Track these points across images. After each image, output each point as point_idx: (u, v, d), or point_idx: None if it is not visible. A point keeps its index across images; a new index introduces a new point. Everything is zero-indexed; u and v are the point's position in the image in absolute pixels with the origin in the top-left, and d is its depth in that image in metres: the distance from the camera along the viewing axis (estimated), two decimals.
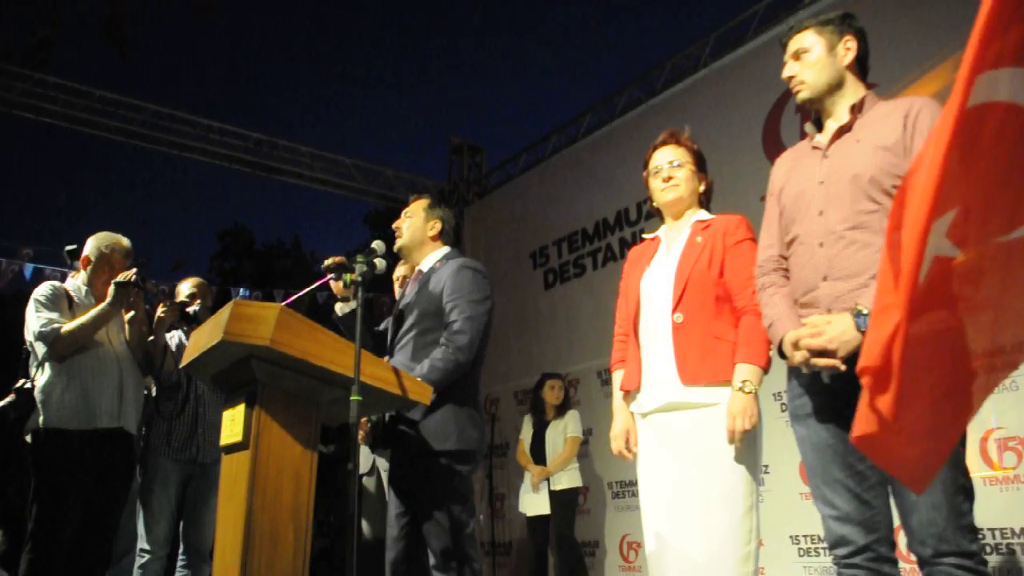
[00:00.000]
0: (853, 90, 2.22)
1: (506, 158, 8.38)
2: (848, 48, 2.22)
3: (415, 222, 3.16)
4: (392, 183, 8.48)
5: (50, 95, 6.85)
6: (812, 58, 2.22)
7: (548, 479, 5.75)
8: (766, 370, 2.42)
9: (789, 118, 5.24)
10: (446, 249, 3.17)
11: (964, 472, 1.91)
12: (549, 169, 7.61)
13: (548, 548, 5.93)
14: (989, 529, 3.94)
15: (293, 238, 23.62)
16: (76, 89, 6.95)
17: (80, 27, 7.15)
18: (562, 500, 5.73)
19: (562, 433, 5.83)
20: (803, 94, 2.24)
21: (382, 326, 3.26)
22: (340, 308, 3.08)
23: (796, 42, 2.26)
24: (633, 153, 2.84)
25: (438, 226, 3.17)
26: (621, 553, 6.07)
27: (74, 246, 3.56)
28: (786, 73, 2.27)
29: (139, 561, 3.66)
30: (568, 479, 5.75)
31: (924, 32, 4.71)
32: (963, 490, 1.89)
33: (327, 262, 2.93)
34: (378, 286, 3.17)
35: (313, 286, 2.98)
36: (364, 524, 4.63)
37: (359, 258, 2.61)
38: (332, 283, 3.03)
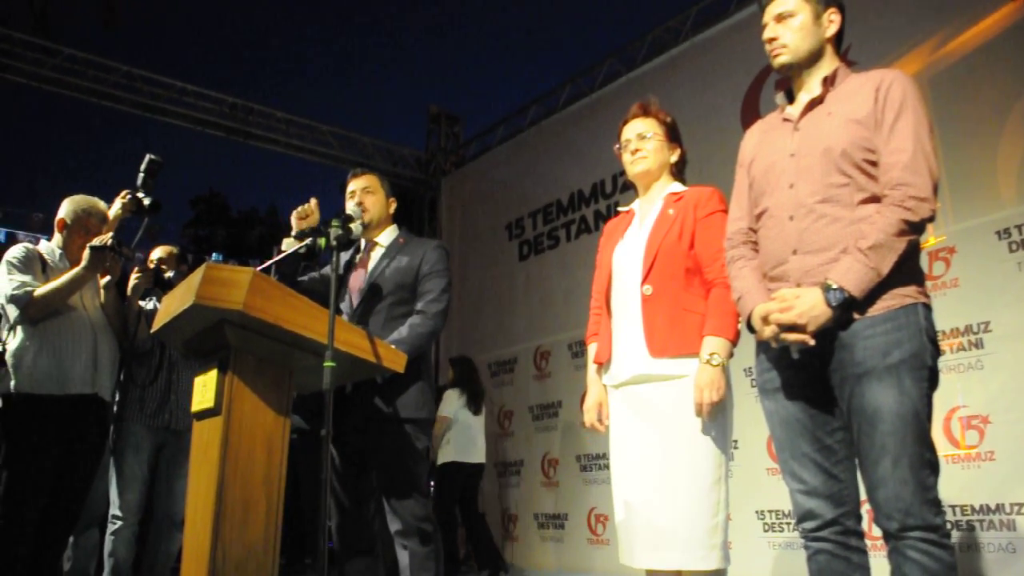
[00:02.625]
0: (829, 63, 2.20)
1: (484, 128, 8.35)
2: (831, 20, 2.19)
3: (379, 199, 3.20)
4: (369, 151, 8.41)
5: (17, 52, 6.67)
6: (797, 23, 2.17)
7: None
8: (734, 343, 2.43)
9: (768, 93, 5.25)
10: (396, 227, 3.27)
11: (930, 447, 1.94)
12: (527, 140, 7.58)
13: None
14: (951, 506, 4.03)
15: (268, 206, 23.40)
16: (44, 47, 6.78)
17: None
18: (436, 476, 6.09)
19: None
20: (783, 58, 2.19)
21: (306, 277, 3.22)
22: (287, 243, 3.01)
23: (780, 5, 2.19)
24: (611, 126, 2.83)
25: (394, 205, 3.28)
26: (589, 526, 6.13)
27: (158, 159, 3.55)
28: (768, 34, 2.21)
29: (111, 528, 3.64)
30: (440, 455, 6.11)
31: (904, 13, 4.72)
32: (929, 464, 1.92)
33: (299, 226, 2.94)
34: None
35: (288, 251, 2.94)
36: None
37: (334, 223, 2.59)
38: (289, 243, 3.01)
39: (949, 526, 1.94)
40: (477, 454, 6.20)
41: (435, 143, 8.83)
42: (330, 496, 3.02)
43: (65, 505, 3.25)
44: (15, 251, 3.29)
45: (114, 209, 3.55)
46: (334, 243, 2.55)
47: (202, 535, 2.22)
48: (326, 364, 2.26)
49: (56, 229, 3.48)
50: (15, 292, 3.17)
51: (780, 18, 2.19)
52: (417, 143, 8.97)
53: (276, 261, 2.90)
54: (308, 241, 2.78)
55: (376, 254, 3.14)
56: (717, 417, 2.39)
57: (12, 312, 3.21)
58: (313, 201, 3.13)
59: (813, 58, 2.19)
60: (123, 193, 3.56)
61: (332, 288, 2.41)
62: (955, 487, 3.98)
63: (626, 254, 2.61)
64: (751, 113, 5.33)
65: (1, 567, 3.02)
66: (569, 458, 6.38)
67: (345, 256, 3.22)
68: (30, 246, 3.37)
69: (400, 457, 2.88)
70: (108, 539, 3.64)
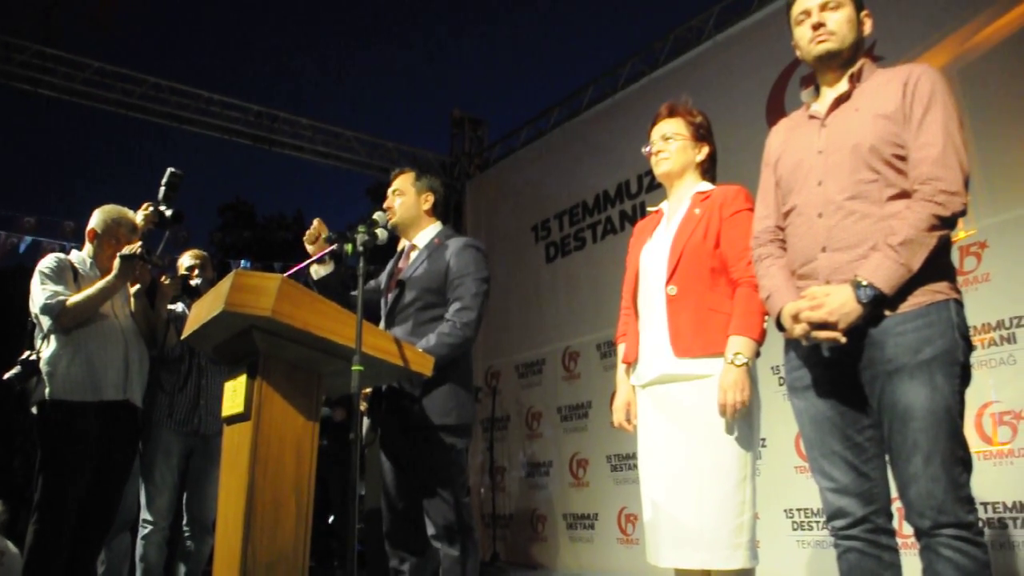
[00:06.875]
0: (858, 61, 2.19)
1: (508, 131, 8.37)
2: (864, 22, 2.19)
3: (407, 199, 3.17)
4: (393, 156, 8.45)
5: (48, 67, 6.79)
6: (844, 15, 2.15)
7: None
8: (760, 342, 2.41)
9: (793, 90, 5.21)
10: (439, 225, 3.21)
11: (963, 444, 1.92)
12: (551, 142, 7.58)
13: None
14: (982, 503, 3.97)
15: (295, 212, 23.57)
16: (74, 61, 6.89)
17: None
18: None
19: None
20: (830, 44, 2.15)
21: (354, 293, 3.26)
22: (315, 271, 3.07)
23: None
24: (635, 126, 2.84)
25: (431, 199, 3.20)
26: (619, 526, 6.12)
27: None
28: (815, 20, 2.16)
29: (142, 532, 3.69)
30: None
31: (932, 4, 4.67)
32: (961, 462, 1.90)
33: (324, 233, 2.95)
34: (379, 257, 3.18)
35: (315, 257, 2.97)
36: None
37: (360, 228, 2.61)
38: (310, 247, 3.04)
39: (981, 524, 1.92)
40: None
41: (459, 147, 8.86)
42: (382, 497, 3.04)
43: (100, 510, 3.30)
44: (47, 261, 3.34)
45: (136, 221, 3.61)
46: (360, 248, 2.57)
47: (233, 538, 2.25)
48: (354, 368, 2.27)
49: (87, 239, 3.53)
50: (48, 302, 3.22)
51: (824, 7, 2.17)
52: (441, 147, 9.01)
53: (300, 268, 2.92)
54: (333, 247, 2.80)
55: (413, 255, 3.13)
56: (743, 416, 2.37)
57: (46, 321, 3.26)
58: (316, 222, 3.12)
59: (851, 52, 2.17)
60: (145, 205, 3.61)
61: (359, 292, 2.43)
62: (987, 484, 3.92)
63: (652, 254, 2.61)
64: (776, 110, 5.29)
65: (39, 571, 3.07)
66: (600, 458, 6.36)
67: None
68: (62, 256, 3.42)
69: (427, 462, 2.88)
70: (139, 543, 3.69)
